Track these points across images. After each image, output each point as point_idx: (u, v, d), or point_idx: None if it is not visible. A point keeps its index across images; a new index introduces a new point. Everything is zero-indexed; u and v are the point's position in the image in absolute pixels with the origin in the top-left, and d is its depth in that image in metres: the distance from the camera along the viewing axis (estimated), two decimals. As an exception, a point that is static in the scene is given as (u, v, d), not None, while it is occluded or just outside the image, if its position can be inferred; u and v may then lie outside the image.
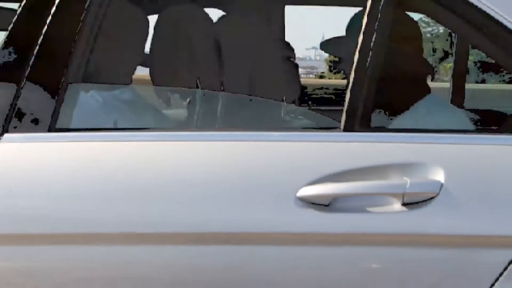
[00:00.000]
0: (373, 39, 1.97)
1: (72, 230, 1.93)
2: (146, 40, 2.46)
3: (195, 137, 2.02)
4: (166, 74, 2.48)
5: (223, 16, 2.66)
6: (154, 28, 2.47)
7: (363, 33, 1.98)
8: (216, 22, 2.53)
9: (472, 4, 1.98)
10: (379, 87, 1.99)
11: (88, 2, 2.05)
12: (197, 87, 2.40)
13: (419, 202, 1.86)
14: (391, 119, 2.19)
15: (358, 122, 1.95)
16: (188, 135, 2.04)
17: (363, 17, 2.00)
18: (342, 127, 1.95)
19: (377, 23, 1.98)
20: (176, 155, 1.97)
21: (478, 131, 1.99)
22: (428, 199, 1.86)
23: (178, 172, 1.95)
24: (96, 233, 1.93)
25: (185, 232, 1.92)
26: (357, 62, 1.97)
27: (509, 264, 1.86)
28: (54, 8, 2.04)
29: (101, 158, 1.98)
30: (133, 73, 2.45)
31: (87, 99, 2.21)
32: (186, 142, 2.00)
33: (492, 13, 1.97)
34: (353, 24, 2.54)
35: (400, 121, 2.20)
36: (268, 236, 1.91)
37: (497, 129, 2.02)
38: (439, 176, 1.87)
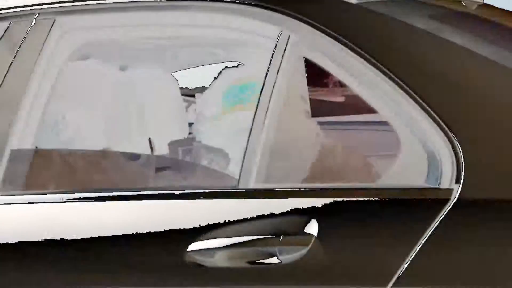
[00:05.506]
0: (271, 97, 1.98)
1: None
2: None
3: (88, 198, 2.05)
4: None
5: None
6: None
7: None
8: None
9: None
10: (272, 143, 2.00)
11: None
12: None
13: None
14: (285, 174, 2.14)
15: (254, 179, 1.95)
16: (80, 196, 2.07)
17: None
18: (238, 183, 1.95)
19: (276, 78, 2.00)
20: (65, 215, 2.04)
21: None
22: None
23: (64, 235, 2.00)
24: None
25: None
26: (254, 119, 1.98)
27: None
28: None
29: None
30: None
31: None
32: (79, 203, 2.05)
33: None
34: None
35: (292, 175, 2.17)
36: None
37: None
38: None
